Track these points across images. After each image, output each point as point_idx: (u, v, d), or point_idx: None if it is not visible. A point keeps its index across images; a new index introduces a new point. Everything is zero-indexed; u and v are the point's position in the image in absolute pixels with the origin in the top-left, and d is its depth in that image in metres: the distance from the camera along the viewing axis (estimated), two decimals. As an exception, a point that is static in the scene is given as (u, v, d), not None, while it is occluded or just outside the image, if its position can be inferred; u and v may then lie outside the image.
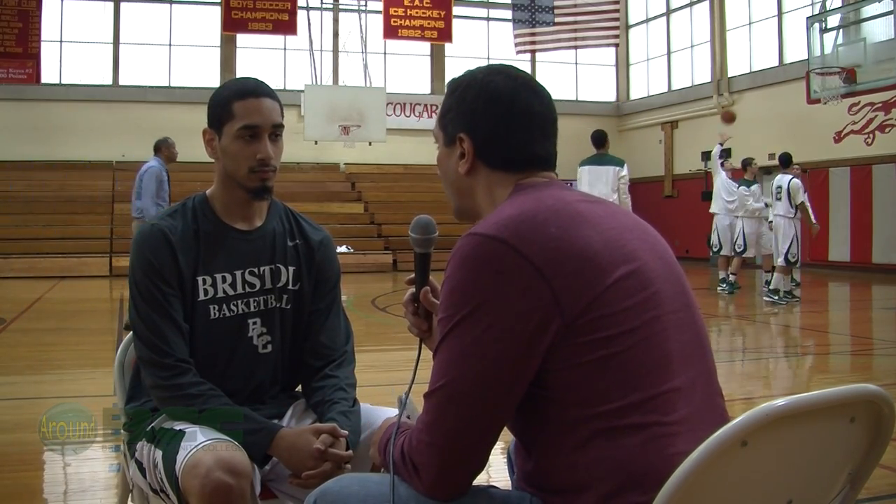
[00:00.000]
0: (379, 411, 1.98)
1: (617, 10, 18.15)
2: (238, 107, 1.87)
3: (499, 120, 1.37)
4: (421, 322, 1.52)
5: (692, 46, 19.90)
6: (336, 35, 17.32)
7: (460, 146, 1.39)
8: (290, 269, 1.99)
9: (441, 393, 1.23)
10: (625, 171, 8.51)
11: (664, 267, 1.30)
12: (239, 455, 1.65)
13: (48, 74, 17.22)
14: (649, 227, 1.37)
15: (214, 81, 17.36)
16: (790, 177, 10.07)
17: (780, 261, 9.97)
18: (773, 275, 10.22)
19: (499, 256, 1.20)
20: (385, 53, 20.03)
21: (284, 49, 19.39)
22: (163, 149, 7.94)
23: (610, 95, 22.29)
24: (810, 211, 10.29)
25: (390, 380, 5.74)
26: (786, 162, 10.17)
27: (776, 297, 9.91)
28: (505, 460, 1.63)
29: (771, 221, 10.58)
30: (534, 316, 1.18)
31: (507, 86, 1.38)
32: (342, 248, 15.40)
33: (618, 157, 8.78)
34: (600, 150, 8.68)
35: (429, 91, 20.28)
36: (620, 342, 1.19)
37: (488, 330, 1.19)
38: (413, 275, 1.53)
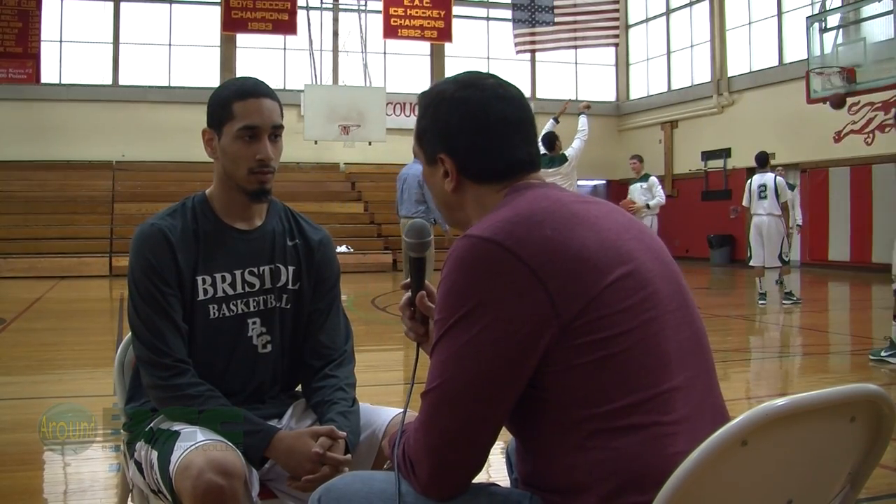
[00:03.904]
0: (379, 411, 1.98)
1: (617, 10, 18.15)
2: (238, 107, 1.87)
3: (476, 135, 1.36)
4: (418, 326, 1.51)
5: (692, 46, 19.90)
6: (336, 35, 17.32)
7: (442, 166, 1.39)
8: (290, 268, 1.99)
9: (436, 393, 1.23)
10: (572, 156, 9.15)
11: (661, 266, 1.30)
12: (231, 456, 1.65)
13: (48, 74, 17.21)
14: (645, 227, 1.37)
15: (214, 81, 17.35)
16: (773, 174, 9.96)
17: (774, 261, 9.84)
18: (783, 278, 10.19)
19: (494, 258, 1.20)
20: (385, 53, 20.02)
21: (284, 49, 19.38)
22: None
23: (610, 95, 22.28)
24: (794, 212, 10.24)
25: (390, 379, 5.74)
26: (763, 161, 10.05)
27: (795, 298, 9.88)
28: (504, 459, 1.63)
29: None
30: (529, 318, 1.18)
31: (478, 99, 1.36)
32: (342, 248, 15.39)
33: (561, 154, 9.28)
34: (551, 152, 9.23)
35: (429, 91, 20.26)
36: (618, 343, 1.19)
37: (483, 331, 1.19)
38: (409, 279, 1.53)
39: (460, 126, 1.36)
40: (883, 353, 5.96)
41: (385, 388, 5.30)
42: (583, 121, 9.42)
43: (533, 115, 1.42)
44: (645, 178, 11.58)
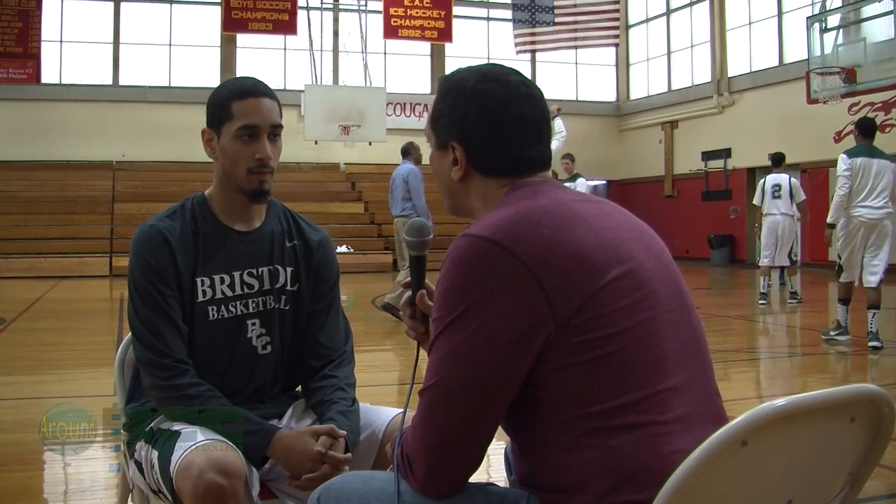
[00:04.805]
0: (378, 411, 1.98)
1: (617, 10, 18.15)
2: (237, 107, 1.86)
3: (492, 129, 1.36)
4: (418, 325, 1.51)
5: (692, 46, 19.90)
6: (336, 35, 17.33)
7: (453, 153, 1.38)
8: (289, 269, 1.98)
9: (432, 391, 1.24)
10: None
11: (660, 267, 1.29)
12: (232, 455, 1.65)
13: (48, 74, 17.22)
14: (645, 227, 1.37)
15: (214, 81, 17.34)
16: (788, 175, 10.05)
17: (784, 260, 9.97)
18: (787, 276, 10.37)
19: (491, 257, 1.20)
20: (385, 53, 20.03)
21: (284, 49, 19.39)
22: (412, 152, 8.59)
23: (610, 95, 22.29)
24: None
25: (390, 379, 5.74)
26: (778, 161, 10.12)
27: (799, 298, 9.99)
28: (503, 459, 1.63)
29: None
30: (526, 317, 1.18)
31: (499, 93, 1.36)
32: (342, 248, 15.39)
33: None
34: None
35: (429, 91, 20.26)
36: (615, 342, 1.19)
37: (480, 330, 1.19)
38: (409, 278, 1.52)
39: (477, 118, 1.36)
40: (832, 333, 6.78)
41: (385, 388, 5.30)
42: (559, 123, 9.45)
43: (549, 115, 1.42)
44: (574, 178, 11.67)
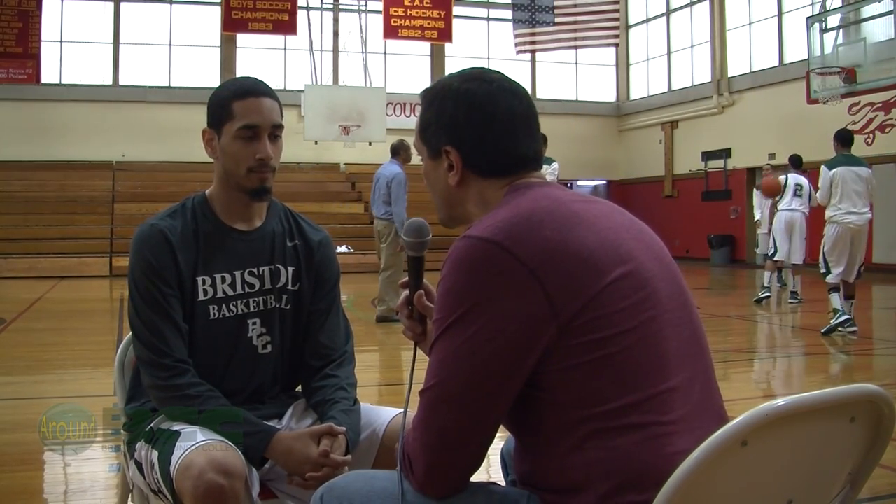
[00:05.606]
0: (379, 411, 1.98)
1: (617, 10, 18.16)
2: (238, 106, 1.86)
3: (483, 127, 1.35)
4: (415, 325, 1.50)
5: (692, 46, 19.91)
6: (336, 35, 17.33)
7: (447, 158, 1.38)
8: (290, 269, 1.99)
9: (432, 392, 1.24)
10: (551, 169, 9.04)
11: (660, 266, 1.29)
12: (232, 456, 1.65)
13: (48, 74, 17.22)
14: (644, 226, 1.36)
15: (214, 81, 17.34)
16: (807, 178, 10.15)
17: (797, 258, 10.03)
18: (791, 276, 10.39)
19: (493, 258, 1.20)
20: (385, 53, 20.03)
21: (284, 49, 19.39)
22: (401, 151, 8.38)
23: (610, 95, 22.29)
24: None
25: (390, 380, 5.74)
26: (797, 163, 10.22)
27: (799, 298, 10.03)
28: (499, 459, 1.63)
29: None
30: (527, 318, 1.18)
31: (484, 91, 1.36)
32: (342, 248, 15.38)
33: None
34: None
35: (429, 91, 20.26)
36: (617, 343, 1.19)
37: (480, 331, 1.19)
38: (407, 278, 1.52)
39: (468, 118, 1.36)
40: (831, 321, 7.27)
41: (385, 388, 5.30)
42: None
43: (537, 112, 1.42)
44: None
